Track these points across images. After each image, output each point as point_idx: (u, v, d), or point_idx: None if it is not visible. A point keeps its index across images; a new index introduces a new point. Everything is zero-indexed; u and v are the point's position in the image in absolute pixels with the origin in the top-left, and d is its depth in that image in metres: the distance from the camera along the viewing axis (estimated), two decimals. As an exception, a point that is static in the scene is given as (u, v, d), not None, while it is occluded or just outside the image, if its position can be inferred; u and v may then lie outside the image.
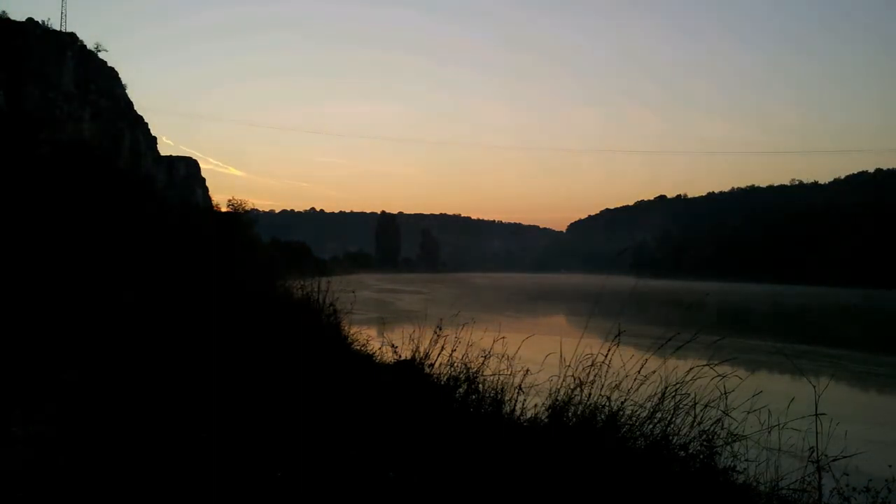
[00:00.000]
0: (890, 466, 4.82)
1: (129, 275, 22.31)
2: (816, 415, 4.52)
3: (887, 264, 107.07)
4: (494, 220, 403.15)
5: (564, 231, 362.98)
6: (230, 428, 5.40)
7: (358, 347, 10.02)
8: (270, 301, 11.18)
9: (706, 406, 4.98)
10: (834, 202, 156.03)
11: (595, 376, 5.44)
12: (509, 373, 6.27)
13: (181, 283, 16.54)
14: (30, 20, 60.24)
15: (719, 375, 5.06)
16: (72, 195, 28.29)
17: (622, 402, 5.23)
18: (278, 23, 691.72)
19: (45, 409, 6.75)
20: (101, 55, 69.32)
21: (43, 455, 5.37)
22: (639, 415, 5.12)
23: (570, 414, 5.37)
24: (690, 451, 4.84)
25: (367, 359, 9.54)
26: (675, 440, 4.93)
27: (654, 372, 5.34)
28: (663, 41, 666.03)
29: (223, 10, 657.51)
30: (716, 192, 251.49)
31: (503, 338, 6.96)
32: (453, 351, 7.00)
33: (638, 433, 5.03)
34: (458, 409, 6.19)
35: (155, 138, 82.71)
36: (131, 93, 79.99)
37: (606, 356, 5.56)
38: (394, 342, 7.86)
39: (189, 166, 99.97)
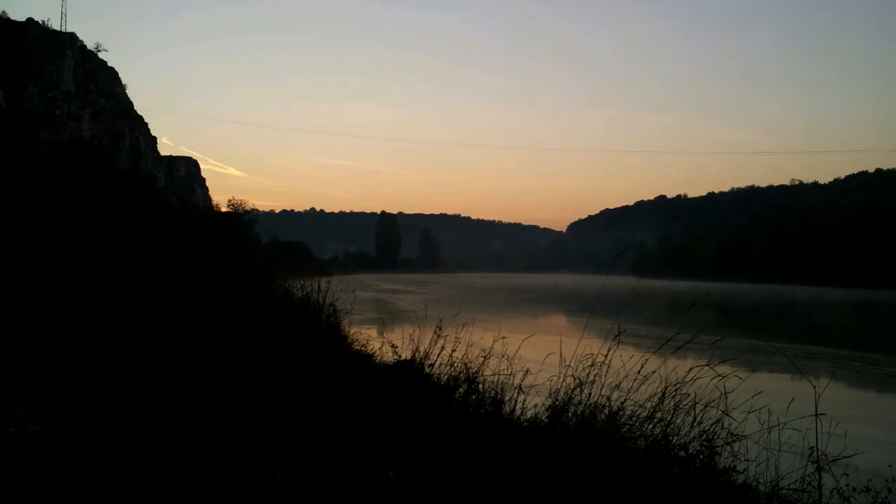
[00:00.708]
0: (890, 466, 4.82)
1: (128, 274, 22.27)
2: (816, 415, 4.52)
3: (888, 265, 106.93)
4: (494, 220, 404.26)
5: (564, 231, 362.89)
6: (230, 428, 5.39)
7: (358, 347, 10.01)
8: (270, 301, 11.17)
9: (706, 406, 4.97)
10: (834, 202, 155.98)
11: (595, 376, 5.44)
12: (509, 373, 6.27)
13: (181, 283, 16.53)
14: (30, 20, 60.23)
15: (719, 375, 5.06)
16: (72, 195, 28.26)
17: (622, 402, 5.22)
18: (278, 23, 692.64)
19: (45, 410, 6.75)
20: (101, 55, 69.23)
21: (42, 455, 5.36)
22: (639, 415, 5.12)
23: (570, 414, 5.36)
24: (690, 451, 4.84)
25: (367, 359, 9.53)
26: (675, 440, 4.92)
27: (654, 372, 5.34)
28: (663, 41, 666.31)
29: (224, 10, 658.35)
30: (716, 192, 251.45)
31: (503, 338, 6.95)
32: (453, 351, 6.99)
33: (638, 433, 5.03)
34: (458, 409, 6.19)
35: (155, 138, 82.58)
36: (131, 93, 80.00)
37: (606, 356, 5.56)
38: (394, 342, 7.86)
39: (189, 166, 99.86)
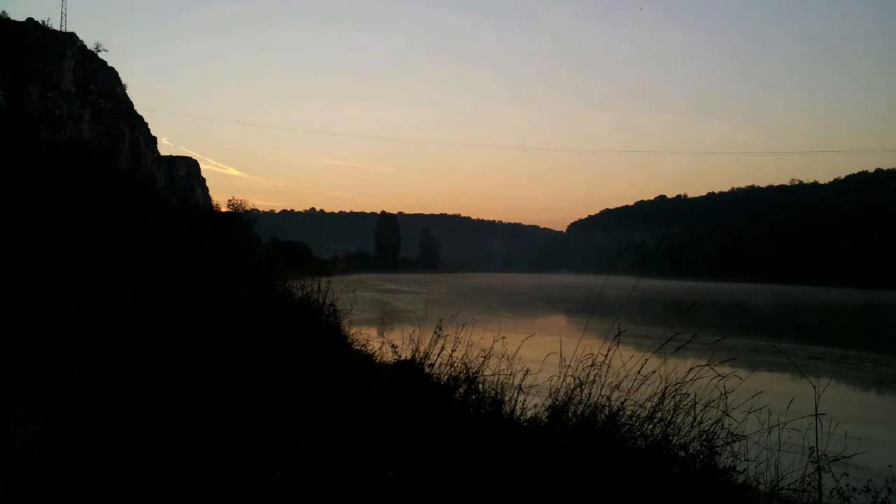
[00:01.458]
0: (890, 466, 4.81)
1: (128, 274, 22.27)
2: (816, 415, 4.52)
3: (888, 265, 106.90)
4: (494, 220, 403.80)
5: (564, 231, 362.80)
6: (230, 428, 5.39)
7: (358, 347, 10.01)
8: (271, 301, 11.17)
9: (706, 406, 4.97)
10: (834, 202, 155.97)
11: (595, 376, 5.44)
12: (509, 373, 6.26)
13: (181, 283, 16.52)
14: (30, 20, 60.21)
15: (719, 375, 5.06)
16: (72, 195, 28.26)
17: (622, 402, 5.22)
18: (278, 23, 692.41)
19: (45, 410, 6.75)
20: (101, 55, 69.20)
21: (42, 456, 5.36)
22: (639, 415, 5.12)
23: (570, 414, 5.36)
24: (690, 451, 4.84)
25: (367, 359, 9.53)
26: (675, 440, 4.92)
27: (654, 372, 5.34)
28: (663, 42, 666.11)
29: (224, 10, 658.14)
30: (716, 192, 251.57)
31: (503, 338, 6.94)
32: (453, 351, 6.98)
33: (638, 433, 5.03)
34: (458, 409, 6.18)
35: (155, 138, 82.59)
36: (131, 93, 79.98)
37: (606, 356, 5.55)
38: (394, 342, 7.85)
39: (189, 166, 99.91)
